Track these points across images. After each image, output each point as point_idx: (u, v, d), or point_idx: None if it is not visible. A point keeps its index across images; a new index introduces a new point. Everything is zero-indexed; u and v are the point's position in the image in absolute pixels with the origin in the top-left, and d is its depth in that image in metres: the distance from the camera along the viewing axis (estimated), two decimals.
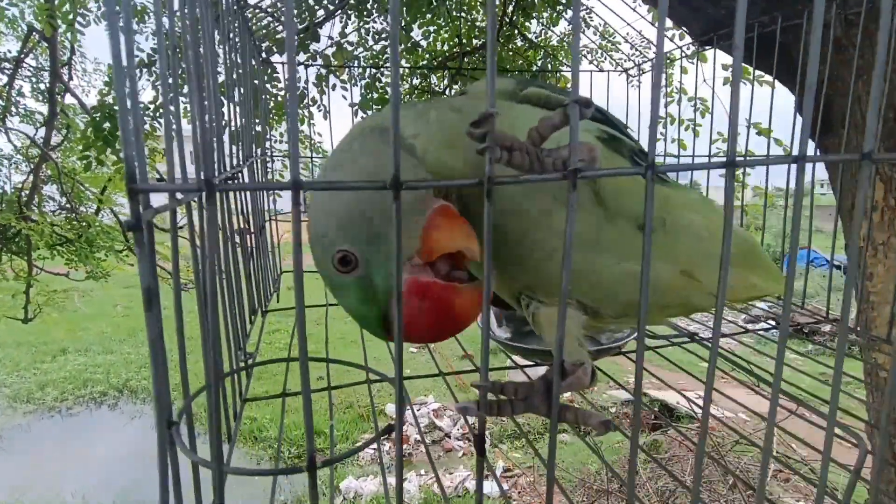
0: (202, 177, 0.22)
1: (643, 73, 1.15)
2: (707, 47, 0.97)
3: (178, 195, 0.25)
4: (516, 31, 1.84)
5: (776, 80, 0.87)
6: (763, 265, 0.45)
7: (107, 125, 1.26)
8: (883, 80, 0.27)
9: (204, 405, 0.34)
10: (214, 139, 0.45)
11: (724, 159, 0.24)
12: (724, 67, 1.03)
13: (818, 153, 0.83)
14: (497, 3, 1.93)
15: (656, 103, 0.22)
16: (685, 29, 0.98)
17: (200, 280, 0.27)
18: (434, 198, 0.34)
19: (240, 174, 0.59)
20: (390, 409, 3.69)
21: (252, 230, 0.70)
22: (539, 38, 1.85)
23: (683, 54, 1.05)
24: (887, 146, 0.70)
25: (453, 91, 1.57)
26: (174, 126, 0.27)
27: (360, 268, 0.33)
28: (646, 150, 0.27)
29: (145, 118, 1.21)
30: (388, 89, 1.48)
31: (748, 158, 0.86)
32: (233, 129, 0.60)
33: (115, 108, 1.40)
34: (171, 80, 0.29)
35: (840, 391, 0.29)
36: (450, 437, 3.78)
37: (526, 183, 0.23)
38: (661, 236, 0.38)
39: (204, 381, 0.28)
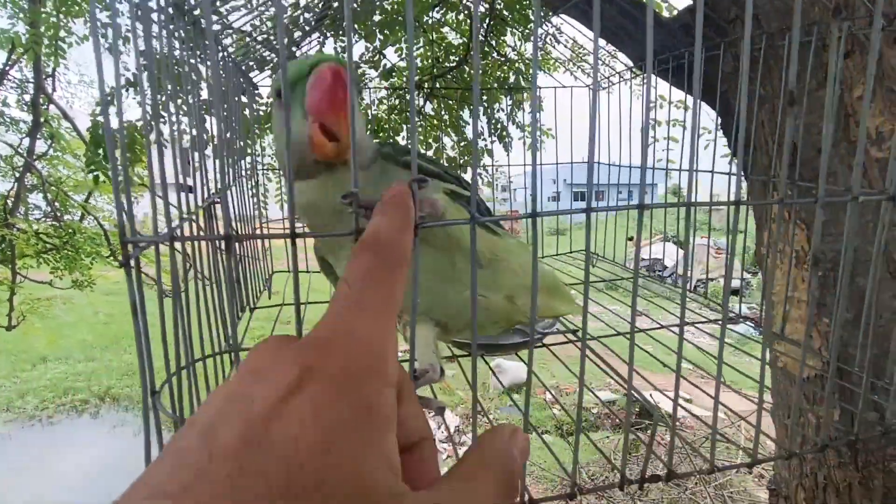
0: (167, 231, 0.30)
1: (602, 88, 1.25)
2: (642, 71, 1.08)
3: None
4: (494, 45, 1.94)
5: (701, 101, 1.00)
6: (560, 293, 0.61)
7: (102, 144, 1.32)
8: (793, 146, 0.37)
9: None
10: (197, 153, 0.52)
11: (530, 211, 0.33)
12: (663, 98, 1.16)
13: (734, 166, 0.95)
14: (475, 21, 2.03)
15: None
16: (623, 52, 1.09)
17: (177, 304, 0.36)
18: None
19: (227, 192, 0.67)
20: None
21: (239, 237, 0.77)
22: (515, 52, 1.94)
23: (622, 78, 1.16)
24: (791, 161, 0.81)
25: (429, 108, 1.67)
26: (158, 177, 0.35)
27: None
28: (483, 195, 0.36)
29: (136, 134, 1.26)
30: (371, 110, 1.57)
31: (548, 210, 1.00)
32: (215, 143, 0.65)
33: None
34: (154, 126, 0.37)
35: (682, 368, 0.39)
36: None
37: None
38: (490, 272, 0.51)
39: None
